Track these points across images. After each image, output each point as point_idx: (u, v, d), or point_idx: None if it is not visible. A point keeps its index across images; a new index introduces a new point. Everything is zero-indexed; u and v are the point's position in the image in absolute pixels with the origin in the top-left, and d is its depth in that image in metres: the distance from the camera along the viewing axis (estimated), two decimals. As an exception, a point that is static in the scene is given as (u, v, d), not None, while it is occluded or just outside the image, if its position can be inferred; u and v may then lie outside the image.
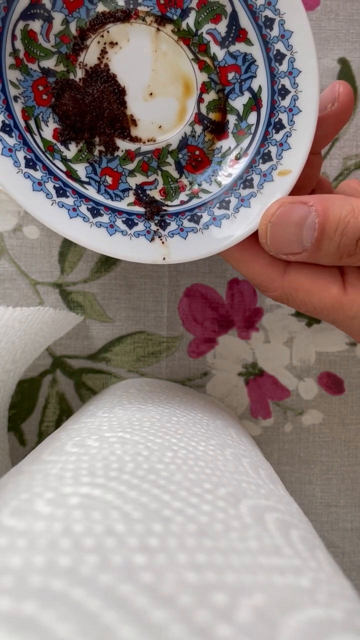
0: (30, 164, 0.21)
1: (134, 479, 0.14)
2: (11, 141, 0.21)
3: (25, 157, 0.21)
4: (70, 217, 0.22)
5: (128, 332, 0.32)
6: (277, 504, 0.15)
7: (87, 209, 0.23)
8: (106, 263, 0.32)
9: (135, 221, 0.23)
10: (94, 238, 0.22)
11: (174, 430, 0.19)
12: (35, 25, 0.22)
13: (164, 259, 0.23)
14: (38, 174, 0.22)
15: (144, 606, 0.09)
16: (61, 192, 0.22)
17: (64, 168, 0.23)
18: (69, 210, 0.22)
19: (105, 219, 0.23)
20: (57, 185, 0.22)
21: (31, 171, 0.21)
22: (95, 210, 0.23)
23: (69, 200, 0.22)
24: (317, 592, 0.11)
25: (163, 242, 0.23)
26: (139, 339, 0.32)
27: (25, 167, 0.21)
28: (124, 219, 0.23)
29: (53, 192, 0.22)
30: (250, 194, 0.23)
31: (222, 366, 0.32)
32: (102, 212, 0.23)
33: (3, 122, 0.21)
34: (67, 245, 0.31)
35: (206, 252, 0.23)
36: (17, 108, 0.22)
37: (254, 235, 0.23)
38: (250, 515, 0.13)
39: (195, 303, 0.32)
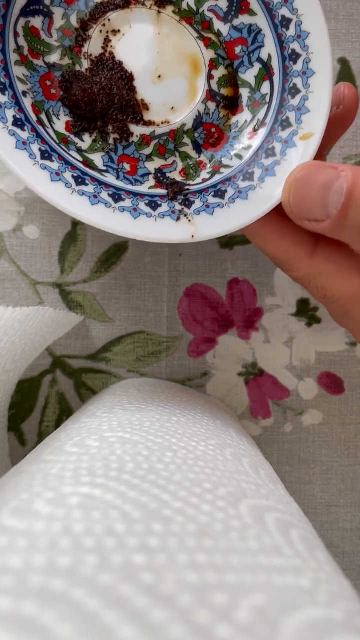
0: (45, 155, 0.21)
1: (134, 479, 0.14)
2: (24, 135, 0.21)
3: (40, 149, 0.21)
4: (92, 204, 0.21)
5: (128, 332, 0.32)
6: (277, 504, 0.15)
7: (108, 195, 0.22)
8: (106, 263, 0.32)
9: (159, 202, 0.23)
10: (118, 222, 0.21)
11: (174, 430, 0.19)
12: (37, 22, 0.22)
13: (192, 236, 0.22)
14: (55, 165, 0.21)
15: (144, 606, 0.09)
16: (80, 180, 0.22)
17: (80, 158, 0.23)
18: (89, 197, 0.22)
19: (127, 203, 0.22)
20: (75, 175, 0.22)
21: (47, 162, 0.21)
22: (117, 195, 0.22)
23: (89, 188, 0.22)
24: (317, 592, 0.11)
25: (190, 221, 0.22)
26: (139, 339, 0.32)
27: (41, 159, 0.21)
28: (146, 201, 0.22)
29: (72, 181, 0.22)
30: (274, 163, 0.22)
31: (222, 366, 0.32)
32: (123, 196, 0.22)
33: (14, 116, 0.21)
34: (67, 245, 0.31)
35: (235, 225, 0.22)
36: (27, 103, 0.22)
37: (282, 213, 0.22)
38: (250, 515, 0.13)
39: (195, 303, 0.32)
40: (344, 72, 0.32)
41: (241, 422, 0.32)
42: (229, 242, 0.32)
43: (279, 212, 0.22)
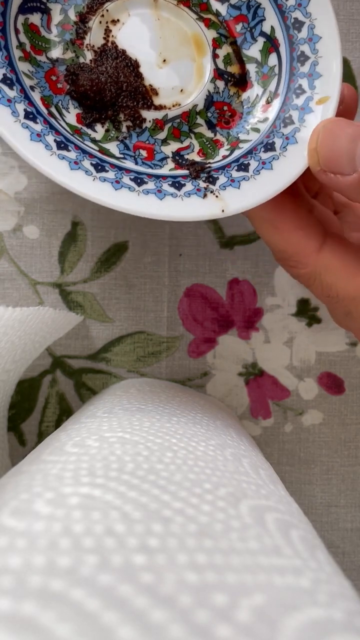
0: (61, 145, 0.21)
1: (133, 479, 0.14)
2: (37, 127, 0.21)
3: (55, 140, 0.21)
4: (116, 190, 0.21)
5: (128, 332, 0.32)
6: (277, 504, 0.15)
7: (130, 179, 0.21)
8: (106, 263, 0.32)
9: (182, 182, 0.22)
10: (145, 205, 0.21)
11: (174, 431, 0.19)
12: (35, 18, 0.22)
13: (222, 211, 0.21)
14: (72, 154, 0.21)
15: (144, 606, 0.09)
16: (100, 167, 0.21)
17: (96, 147, 0.22)
18: (112, 183, 0.21)
19: (150, 185, 0.22)
20: (94, 162, 0.21)
21: (64, 152, 0.21)
22: (139, 179, 0.22)
23: (110, 174, 0.21)
24: (317, 592, 0.11)
25: (217, 196, 0.21)
26: (139, 339, 0.32)
27: (58, 149, 0.20)
28: (169, 182, 0.22)
29: (92, 168, 0.21)
30: (294, 130, 0.22)
31: (222, 366, 0.32)
32: (145, 179, 0.22)
33: (25, 110, 0.21)
34: (67, 245, 0.31)
35: (265, 195, 0.21)
36: (36, 96, 0.22)
37: (295, 203, 0.22)
38: (251, 515, 0.13)
39: (195, 303, 0.32)
40: (344, 72, 0.31)
41: (241, 422, 0.32)
42: (229, 242, 0.32)
43: (294, 202, 0.22)
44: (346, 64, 0.32)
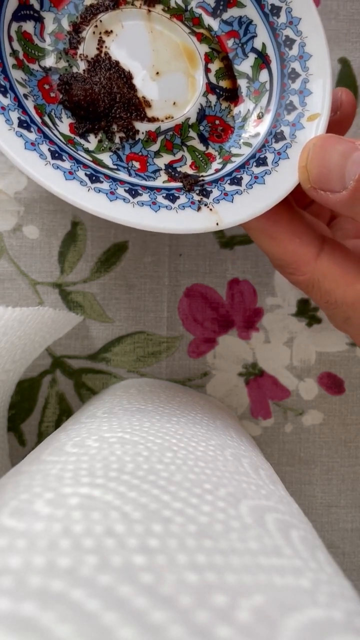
0: (55, 155, 0.21)
1: (133, 480, 0.14)
2: (32, 136, 0.21)
3: (49, 150, 0.21)
4: (111, 201, 0.21)
5: (128, 332, 0.32)
6: (277, 504, 0.15)
7: (125, 190, 0.22)
8: (106, 263, 0.32)
9: (176, 195, 0.22)
10: (140, 217, 0.21)
11: (174, 431, 0.19)
12: (28, 27, 0.22)
13: (217, 224, 0.21)
14: (66, 164, 0.21)
15: (144, 607, 0.09)
16: (94, 178, 0.21)
17: (90, 158, 0.22)
18: (107, 193, 0.21)
19: (145, 197, 0.22)
20: (88, 173, 0.21)
21: (59, 162, 0.21)
22: (133, 190, 0.22)
23: (105, 185, 0.21)
24: (317, 592, 0.11)
25: (211, 209, 0.21)
26: (139, 339, 0.32)
27: (52, 158, 0.20)
28: (164, 194, 0.22)
29: (86, 179, 0.21)
30: (285, 145, 0.22)
31: (222, 366, 0.32)
32: (140, 191, 0.22)
33: (19, 118, 0.21)
34: (67, 245, 0.31)
35: (258, 209, 0.21)
36: (30, 105, 0.22)
37: (290, 212, 0.22)
38: (251, 515, 0.13)
39: (195, 303, 0.32)
40: (344, 72, 0.32)
41: (241, 422, 0.32)
42: (229, 242, 0.32)
43: (289, 211, 0.22)
44: (346, 64, 0.32)
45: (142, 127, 0.23)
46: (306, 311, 0.33)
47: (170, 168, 0.23)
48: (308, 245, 0.22)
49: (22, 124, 0.21)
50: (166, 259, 0.32)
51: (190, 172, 0.24)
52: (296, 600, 0.10)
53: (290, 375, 0.33)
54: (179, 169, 0.24)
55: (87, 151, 0.22)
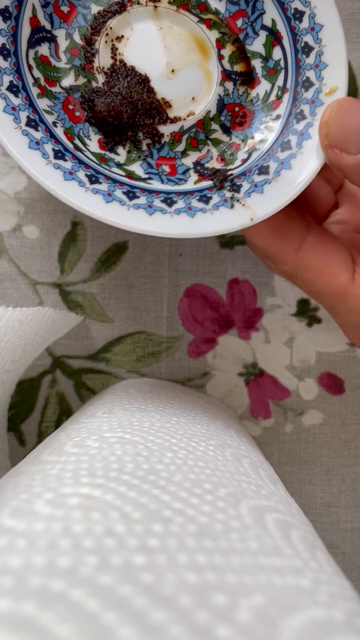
0: (93, 179, 0.21)
1: (133, 480, 0.14)
2: (68, 164, 0.21)
3: (86, 175, 0.21)
4: (150, 215, 0.21)
5: (128, 332, 0.32)
6: (277, 504, 0.15)
7: (161, 201, 0.22)
8: (106, 263, 0.32)
9: (209, 195, 0.22)
10: (178, 226, 0.21)
11: (174, 431, 0.19)
12: (44, 49, 0.22)
13: (251, 219, 0.21)
14: (104, 186, 0.21)
15: (144, 607, 0.09)
16: (131, 195, 0.21)
17: (123, 172, 0.23)
18: (145, 208, 0.21)
19: (180, 204, 0.22)
20: (125, 190, 0.22)
21: (97, 186, 0.21)
22: (169, 199, 0.22)
23: (142, 200, 0.21)
24: (317, 592, 0.11)
25: (243, 205, 0.22)
26: (139, 339, 0.32)
27: (90, 183, 0.21)
28: (197, 197, 0.22)
29: (125, 198, 0.21)
30: (307, 125, 0.23)
31: (222, 366, 0.32)
32: (174, 199, 0.22)
33: (53, 149, 0.21)
34: (67, 245, 0.31)
35: (289, 197, 0.22)
36: (60, 132, 0.22)
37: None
38: (251, 515, 0.13)
39: (195, 303, 0.32)
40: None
41: (241, 422, 0.32)
42: (229, 242, 0.32)
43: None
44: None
45: (166, 129, 0.23)
46: (306, 311, 0.33)
47: (198, 165, 0.24)
48: (288, 237, 0.22)
49: (57, 155, 0.21)
50: (166, 259, 0.32)
51: (218, 166, 0.24)
52: (296, 600, 0.10)
53: (290, 375, 0.33)
54: (206, 165, 0.24)
55: (119, 165, 0.23)
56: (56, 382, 0.32)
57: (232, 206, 0.22)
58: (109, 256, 0.32)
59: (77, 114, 0.23)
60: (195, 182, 0.23)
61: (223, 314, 0.32)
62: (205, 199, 0.22)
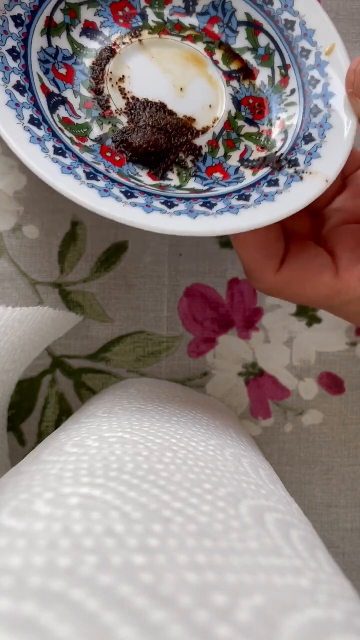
0: (169, 204, 0.21)
1: (133, 480, 0.14)
2: (142, 200, 0.21)
3: (162, 202, 0.22)
4: (236, 214, 0.21)
5: (128, 332, 0.32)
6: (277, 504, 0.15)
7: (237, 199, 0.22)
8: (106, 263, 0.32)
9: (275, 179, 0.23)
10: (267, 213, 0.21)
11: (174, 431, 0.19)
12: (62, 112, 0.23)
13: (326, 181, 0.22)
14: (182, 207, 0.21)
15: (144, 607, 0.09)
16: (208, 205, 0.22)
17: (187, 190, 0.23)
18: (228, 211, 0.22)
19: (255, 195, 0.22)
20: (200, 204, 0.22)
21: (177, 208, 0.21)
22: (244, 195, 0.22)
23: (221, 205, 0.22)
24: (317, 592, 0.11)
25: (311, 173, 0.22)
26: (139, 339, 0.32)
27: (169, 207, 0.21)
28: (266, 184, 0.23)
29: (205, 209, 0.22)
30: (324, 86, 0.24)
31: (222, 366, 0.32)
32: (247, 193, 0.22)
33: (122, 191, 0.21)
34: (67, 245, 0.31)
35: (347, 147, 0.23)
36: (115, 176, 0.22)
37: (268, 227, 0.23)
38: (251, 515, 0.13)
39: (195, 303, 0.32)
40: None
41: (241, 422, 0.32)
42: (229, 242, 0.32)
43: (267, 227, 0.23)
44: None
45: (201, 141, 0.24)
46: (306, 311, 0.33)
47: (245, 162, 0.24)
48: (272, 258, 0.23)
49: (127, 194, 0.21)
50: (166, 259, 0.32)
51: (263, 154, 0.24)
52: (296, 600, 0.10)
53: (290, 375, 0.33)
54: (251, 159, 0.24)
55: (178, 188, 0.23)
56: (56, 382, 0.32)
57: (301, 179, 0.22)
58: (109, 256, 0.32)
59: (117, 158, 0.23)
60: (254, 175, 0.24)
61: (223, 314, 0.32)
62: (275, 182, 0.23)
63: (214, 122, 0.24)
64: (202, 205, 0.22)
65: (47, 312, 0.25)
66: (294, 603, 0.10)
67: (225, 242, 0.32)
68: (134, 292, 0.32)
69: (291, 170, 0.23)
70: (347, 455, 0.33)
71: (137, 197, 0.21)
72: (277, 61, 0.25)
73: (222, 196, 0.22)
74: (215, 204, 0.22)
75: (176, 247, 0.32)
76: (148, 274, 0.32)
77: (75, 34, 0.24)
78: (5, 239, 0.31)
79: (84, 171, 0.21)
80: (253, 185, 0.23)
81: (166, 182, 0.23)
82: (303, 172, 0.22)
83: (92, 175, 0.21)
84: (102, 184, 0.21)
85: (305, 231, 0.26)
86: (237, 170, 0.24)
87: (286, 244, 0.24)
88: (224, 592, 0.10)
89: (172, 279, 0.32)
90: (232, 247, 0.32)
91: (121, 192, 0.21)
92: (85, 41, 0.24)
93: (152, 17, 0.24)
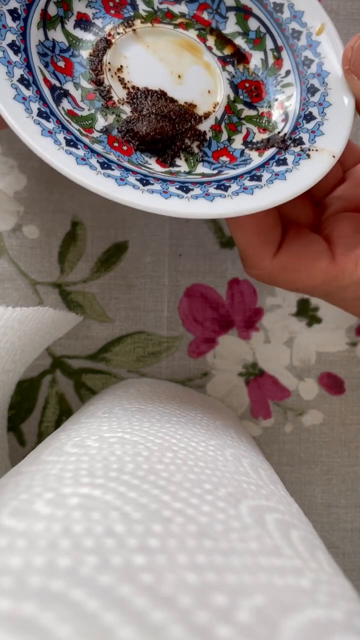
0: (184, 188, 0.22)
1: (133, 480, 0.14)
2: (158, 187, 0.21)
3: (177, 187, 0.22)
4: (251, 194, 0.22)
5: (128, 332, 0.32)
6: (277, 504, 0.15)
7: (249, 179, 0.22)
8: (106, 263, 0.32)
9: (283, 157, 0.23)
10: (279, 192, 0.22)
11: (174, 431, 0.19)
12: (66, 104, 0.23)
13: (333, 157, 0.22)
14: (198, 190, 0.22)
15: (144, 607, 0.09)
16: (222, 187, 0.22)
17: (198, 175, 0.23)
18: (243, 192, 0.22)
19: (267, 175, 0.23)
20: (215, 186, 0.22)
21: (193, 192, 0.22)
22: (255, 176, 0.23)
23: (235, 186, 0.22)
24: (317, 592, 0.11)
25: (317, 150, 0.23)
26: (139, 339, 0.32)
27: (185, 192, 0.21)
28: (274, 164, 0.23)
29: (220, 191, 0.22)
30: (318, 65, 0.24)
31: (222, 366, 0.32)
32: (258, 174, 0.23)
33: (137, 179, 0.21)
34: (67, 245, 0.31)
35: (349, 121, 0.23)
36: (128, 165, 0.22)
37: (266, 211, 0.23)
38: (251, 515, 0.13)
39: (195, 303, 0.32)
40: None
41: (241, 422, 0.32)
42: (229, 241, 0.32)
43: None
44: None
45: (205, 126, 0.24)
46: (306, 311, 0.33)
47: (248, 144, 0.25)
48: (269, 243, 0.23)
49: (142, 181, 0.21)
50: (166, 259, 0.32)
51: (266, 135, 0.25)
52: (296, 600, 0.10)
53: (290, 375, 0.33)
54: (254, 140, 0.25)
55: (187, 173, 0.23)
56: (56, 382, 0.32)
57: (308, 156, 0.23)
58: (109, 256, 0.32)
59: (125, 147, 0.23)
60: (260, 155, 0.24)
61: (223, 314, 0.32)
62: (283, 161, 0.23)
63: (214, 107, 0.25)
64: (216, 188, 0.22)
65: (47, 312, 0.25)
66: (294, 603, 0.10)
67: (225, 242, 0.32)
68: (134, 292, 0.32)
69: (297, 149, 0.23)
70: (347, 455, 0.33)
71: (152, 184, 0.21)
72: (269, 44, 0.25)
73: (234, 178, 0.23)
74: (229, 186, 0.22)
75: (176, 247, 0.32)
76: (148, 274, 0.32)
77: (69, 26, 0.24)
78: (5, 239, 0.31)
79: (98, 161, 0.21)
80: (262, 166, 0.23)
81: (175, 169, 0.23)
82: (309, 150, 0.23)
83: (105, 164, 0.21)
84: (117, 173, 0.21)
85: (308, 220, 0.26)
86: (242, 152, 0.24)
87: (283, 230, 0.24)
88: (224, 592, 0.10)
89: (172, 279, 0.32)
90: (232, 247, 0.32)
91: (137, 179, 0.21)
92: (79, 33, 0.24)
93: (142, 6, 0.25)
